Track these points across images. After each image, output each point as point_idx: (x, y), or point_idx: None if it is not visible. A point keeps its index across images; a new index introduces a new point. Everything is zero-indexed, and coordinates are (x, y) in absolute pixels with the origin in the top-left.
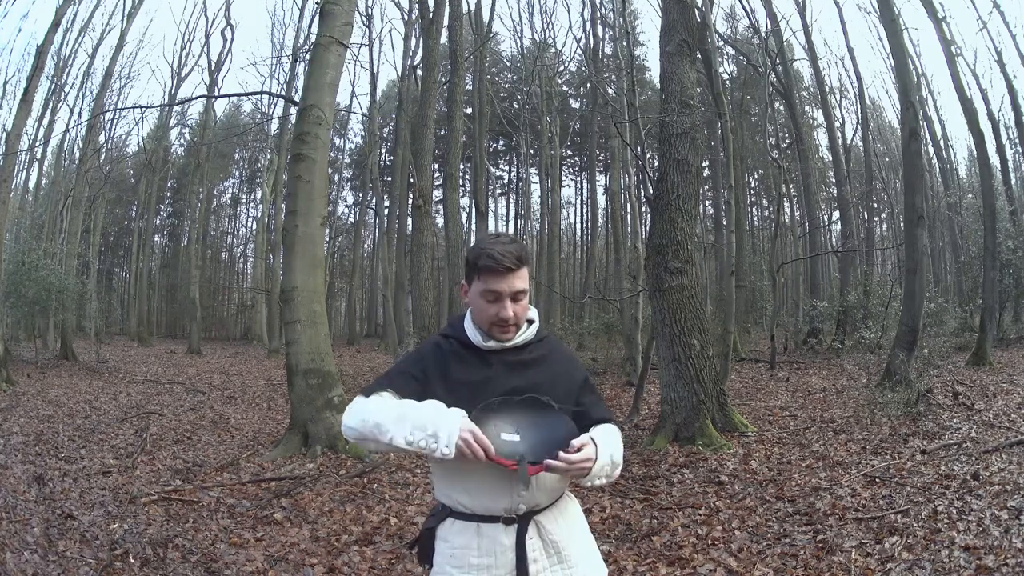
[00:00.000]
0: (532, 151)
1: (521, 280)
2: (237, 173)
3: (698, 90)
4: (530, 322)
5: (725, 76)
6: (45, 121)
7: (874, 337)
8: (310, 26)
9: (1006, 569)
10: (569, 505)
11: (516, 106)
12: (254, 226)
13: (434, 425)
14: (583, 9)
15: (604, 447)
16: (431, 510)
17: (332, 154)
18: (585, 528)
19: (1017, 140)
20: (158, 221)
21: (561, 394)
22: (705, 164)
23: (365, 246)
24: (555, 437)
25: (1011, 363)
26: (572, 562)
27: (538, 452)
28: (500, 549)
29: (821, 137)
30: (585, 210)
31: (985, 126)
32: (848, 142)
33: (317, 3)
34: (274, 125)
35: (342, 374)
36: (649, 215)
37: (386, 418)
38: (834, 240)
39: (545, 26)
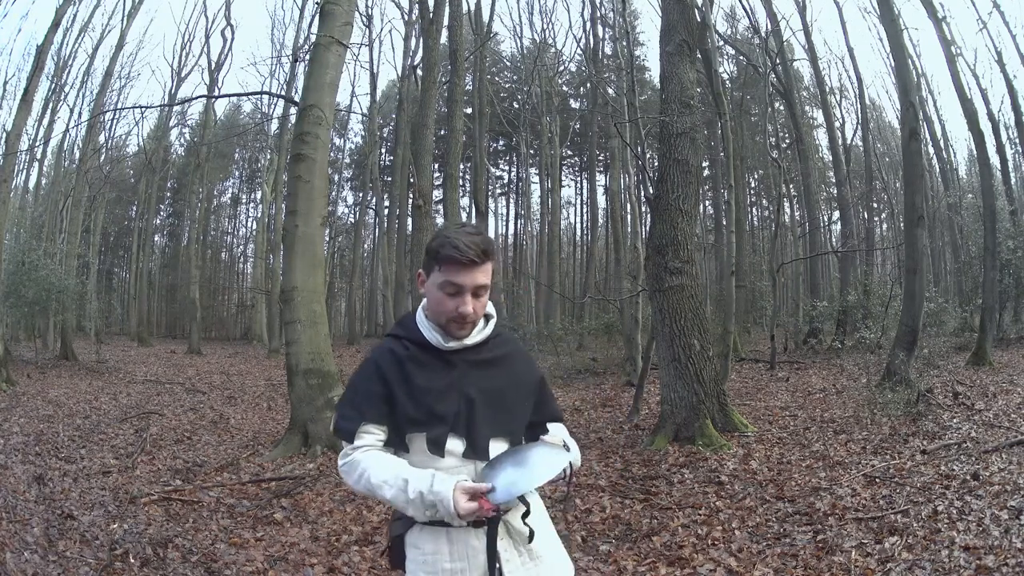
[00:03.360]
0: (532, 151)
1: (484, 275)
2: (237, 173)
3: (698, 90)
4: (488, 318)
5: (725, 76)
6: (45, 121)
7: (874, 337)
8: (310, 26)
9: (1006, 569)
10: (532, 500)
11: (516, 106)
12: (254, 226)
13: (442, 503)
14: (583, 9)
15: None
16: (394, 514)
17: (332, 154)
18: (548, 521)
19: (1017, 140)
20: (158, 221)
21: (523, 393)
22: (705, 164)
23: (365, 246)
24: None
25: (1011, 363)
26: (541, 556)
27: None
28: (472, 552)
29: (821, 137)
30: (585, 210)
31: (985, 126)
32: (848, 142)
33: (317, 3)
34: (274, 125)
35: (342, 374)
36: (649, 215)
37: (396, 496)
38: (834, 240)
39: (545, 26)
